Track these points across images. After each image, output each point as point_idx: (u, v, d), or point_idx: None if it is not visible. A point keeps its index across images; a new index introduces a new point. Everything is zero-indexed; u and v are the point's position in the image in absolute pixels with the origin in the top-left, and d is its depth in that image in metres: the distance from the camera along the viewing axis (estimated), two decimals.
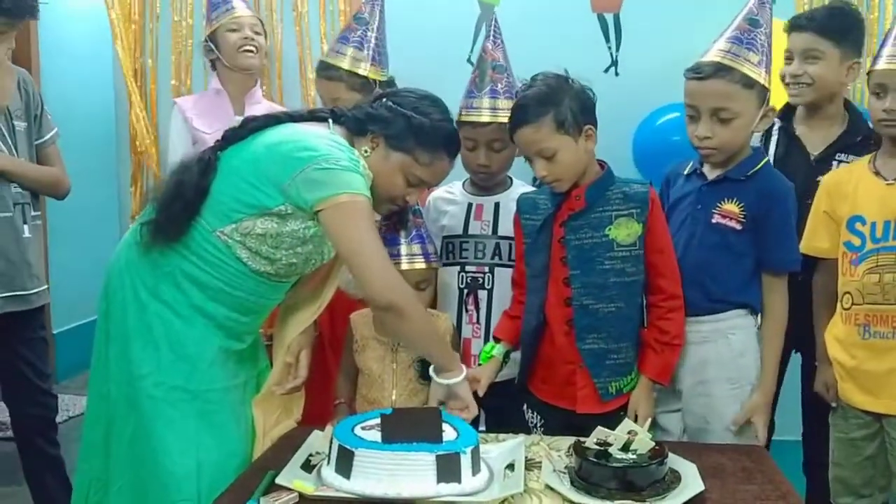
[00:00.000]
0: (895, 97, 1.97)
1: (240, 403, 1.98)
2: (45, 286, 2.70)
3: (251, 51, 2.92)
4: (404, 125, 1.94)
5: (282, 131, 1.92)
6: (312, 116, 2.02)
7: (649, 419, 1.90)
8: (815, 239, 2.12)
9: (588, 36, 3.23)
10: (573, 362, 2.01)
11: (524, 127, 1.95)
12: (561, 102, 1.93)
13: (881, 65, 1.99)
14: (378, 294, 1.84)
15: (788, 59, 2.36)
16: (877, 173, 2.01)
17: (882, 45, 2.04)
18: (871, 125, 2.37)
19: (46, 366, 2.75)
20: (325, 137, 1.89)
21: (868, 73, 2.07)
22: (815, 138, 2.37)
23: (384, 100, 2.01)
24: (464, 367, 1.97)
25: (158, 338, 1.89)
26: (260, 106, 2.92)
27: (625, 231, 1.96)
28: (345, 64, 2.53)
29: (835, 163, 2.34)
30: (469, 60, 3.22)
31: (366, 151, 1.95)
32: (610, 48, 3.23)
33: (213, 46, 2.96)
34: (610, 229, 1.97)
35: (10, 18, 2.43)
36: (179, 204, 1.87)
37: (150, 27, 3.47)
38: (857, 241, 2.00)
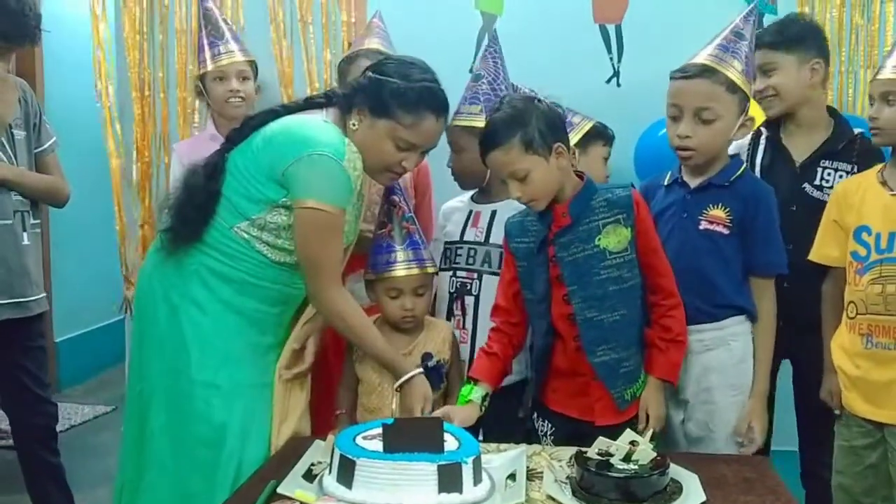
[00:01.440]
0: (879, 106, 1.99)
1: (268, 401, 2.03)
2: (44, 294, 2.71)
3: (237, 101, 2.81)
4: (383, 91, 1.97)
5: (278, 124, 1.98)
6: (308, 104, 2.07)
7: (657, 423, 1.92)
8: (824, 247, 2.12)
9: (590, 47, 3.22)
10: (586, 374, 2.01)
11: (494, 150, 1.96)
12: (528, 123, 1.93)
13: (881, 75, 2.01)
14: (311, 300, 2.04)
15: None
16: (883, 183, 2.01)
17: (886, 58, 2.06)
18: (855, 131, 2.43)
19: (46, 375, 2.77)
20: (316, 127, 1.95)
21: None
22: (800, 146, 2.40)
23: (368, 72, 2.05)
24: (411, 370, 2.03)
25: (188, 336, 1.96)
26: None
27: (614, 238, 1.96)
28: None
29: (819, 169, 2.37)
30: (471, 71, 3.23)
31: (354, 125, 2.00)
32: (612, 59, 3.24)
33: (203, 90, 2.89)
34: (600, 239, 1.96)
35: (8, 43, 2.46)
36: (190, 208, 1.96)
37: (159, 38, 3.48)
38: (862, 252, 2.00)
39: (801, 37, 2.41)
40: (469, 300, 2.35)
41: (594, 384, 2.00)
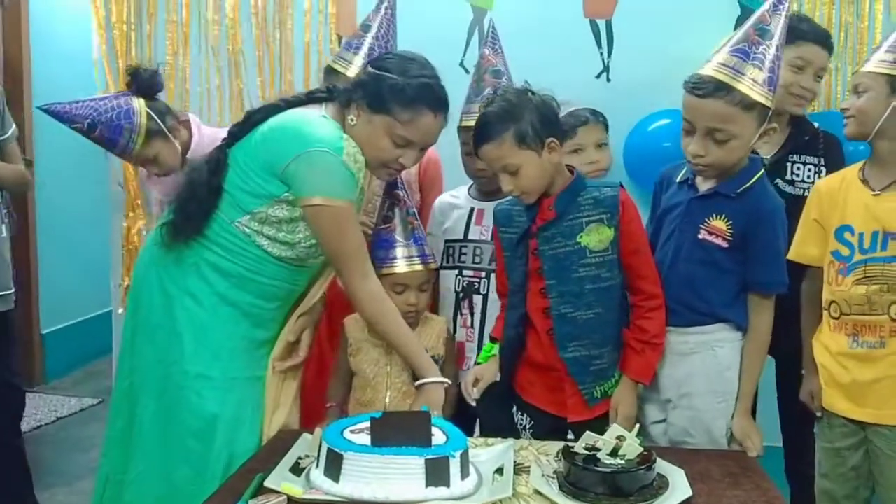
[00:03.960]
0: (851, 97, 2.01)
1: (260, 395, 2.04)
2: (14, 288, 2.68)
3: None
4: (382, 86, 1.96)
5: (275, 120, 1.97)
6: (309, 99, 2.06)
7: (627, 423, 1.90)
8: (802, 245, 2.10)
9: (580, 42, 3.22)
10: (559, 370, 2.02)
11: (486, 144, 1.95)
12: (521, 117, 1.92)
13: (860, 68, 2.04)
14: (348, 295, 2.02)
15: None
16: (864, 182, 2.00)
17: (872, 52, 2.06)
18: (815, 125, 2.44)
19: (16, 361, 2.76)
20: (312, 123, 1.94)
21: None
22: (765, 143, 2.32)
23: (367, 67, 2.05)
24: (435, 376, 2.03)
25: (183, 328, 1.96)
26: (204, 141, 2.54)
27: (596, 237, 1.96)
28: (349, 72, 2.41)
29: (788, 164, 2.39)
30: (462, 65, 3.23)
31: (352, 120, 1.99)
32: (602, 54, 3.24)
33: None
34: (581, 236, 1.96)
35: None
36: (194, 203, 1.96)
37: (146, 27, 3.46)
38: (845, 251, 1.99)
39: None
40: (477, 299, 2.35)
41: (567, 380, 2.01)
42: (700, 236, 1.97)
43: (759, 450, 1.95)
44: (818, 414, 2.11)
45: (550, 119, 1.96)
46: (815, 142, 2.40)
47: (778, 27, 1.89)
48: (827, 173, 2.37)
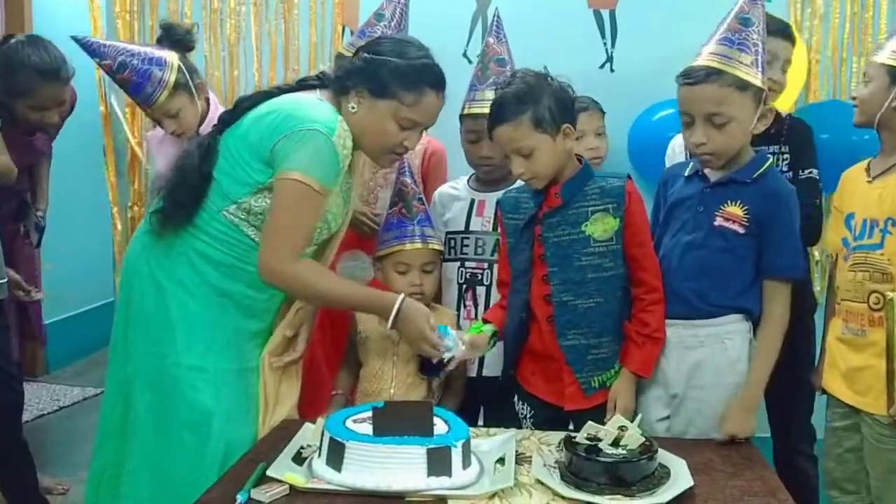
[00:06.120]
0: (860, 86, 2.03)
1: (254, 386, 2.02)
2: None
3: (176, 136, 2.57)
4: (383, 71, 1.95)
5: (269, 103, 1.96)
6: (301, 86, 2.05)
7: (624, 415, 1.90)
8: (828, 233, 2.11)
9: (584, 32, 3.23)
10: (559, 359, 2.02)
11: (502, 125, 1.94)
12: (539, 101, 1.92)
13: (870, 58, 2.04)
14: (261, 269, 1.90)
15: None
16: (867, 170, 2.00)
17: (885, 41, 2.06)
18: (782, 114, 2.44)
19: (12, 353, 2.72)
20: (308, 105, 1.93)
21: None
22: None
23: (362, 53, 2.03)
24: (395, 300, 1.95)
25: (175, 319, 1.94)
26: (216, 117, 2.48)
27: (601, 227, 1.96)
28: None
29: None
30: (465, 55, 3.23)
31: (353, 108, 1.97)
32: (605, 44, 3.24)
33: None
34: (586, 225, 1.97)
35: None
36: (184, 190, 1.94)
37: (148, 19, 3.47)
38: (850, 238, 2.00)
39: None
40: (481, 290, 2.34)
41: (566, 369, 2.01)
42: (716, 223, 1.95)
43: (723, 436, 1.88)
44: (818, 393, 2.12)
45: (566, 105, 1.97)
46: (779, 129, 2.40)
47: (757, 16, 1.91)
48: (791, 160, 2.40)
